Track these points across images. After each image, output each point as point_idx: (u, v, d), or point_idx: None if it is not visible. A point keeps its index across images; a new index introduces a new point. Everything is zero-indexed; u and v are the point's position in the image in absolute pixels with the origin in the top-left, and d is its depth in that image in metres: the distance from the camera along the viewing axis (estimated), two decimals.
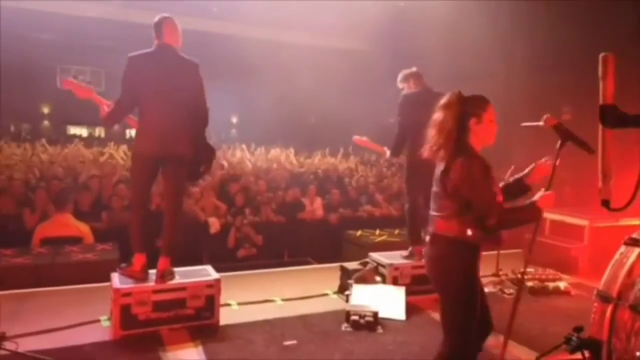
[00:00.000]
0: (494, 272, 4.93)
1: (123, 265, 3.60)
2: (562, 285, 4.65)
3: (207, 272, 3.77)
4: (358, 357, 3.24)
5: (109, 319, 3.52)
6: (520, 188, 2.51)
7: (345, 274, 4.37)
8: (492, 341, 2.68)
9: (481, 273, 2.40)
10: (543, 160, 2.49)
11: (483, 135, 2.32)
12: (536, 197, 2.33)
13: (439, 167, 2.33)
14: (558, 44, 7.55)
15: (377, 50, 12.63)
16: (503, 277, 4.87)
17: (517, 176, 2.54)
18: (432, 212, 2.37)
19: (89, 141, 13.76)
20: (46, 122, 18.73)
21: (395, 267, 4.26)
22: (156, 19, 3.48)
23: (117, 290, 3.33)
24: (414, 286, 4.24)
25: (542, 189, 2.36)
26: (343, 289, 4.34)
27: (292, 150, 11.92)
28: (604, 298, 2.48)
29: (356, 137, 4.61)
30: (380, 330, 3.62)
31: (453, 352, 2.28)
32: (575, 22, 7.23)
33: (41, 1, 12.23)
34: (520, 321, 2.91)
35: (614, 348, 2.39)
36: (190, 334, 3.42)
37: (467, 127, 2.30)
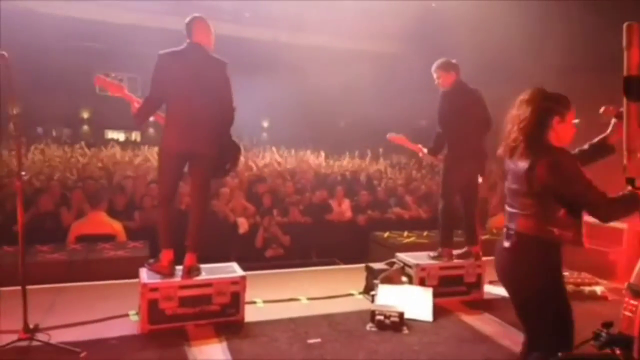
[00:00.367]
0: None
1: (151, 260, 3.68)
2: (598, 289, 4.46)
3: (233, 269, 3.80)
4: (382, 357, 3.19)
5: (137, 313, 3.60)
6: (602, 150, 2.38)
7: (371, 274, 4.32)
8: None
9: None
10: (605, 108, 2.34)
11: (563, 135, 2.23)
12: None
13: (519, 164, 2.21)
14: (588, 44, 7.29)
15: (407, 53, 12.55)
16: None
17: (594, 140, 2.41)
18: (511, 210, 2.29)
19: (125, 145, 14.19)
20: (85, 127, 19.38)
21: (422, 268, 4.18)
22: (187, 19, 3.56)
23: (144, 285, 3.40)
24: (442, 288, 4.17)
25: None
26: (369, 289, 4.30)
27: (322, 153, 11.94)
28: (635, 292, 2.36)
29: (392, 135, 4.56)
30: (405, 330, 3.56)
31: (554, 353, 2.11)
32: (607, 21, 6.96)
33: (83, 9, 12.76)
34: None
35: None
36: (215, 330, 3.45)
37: (548, 125, 2.19)
